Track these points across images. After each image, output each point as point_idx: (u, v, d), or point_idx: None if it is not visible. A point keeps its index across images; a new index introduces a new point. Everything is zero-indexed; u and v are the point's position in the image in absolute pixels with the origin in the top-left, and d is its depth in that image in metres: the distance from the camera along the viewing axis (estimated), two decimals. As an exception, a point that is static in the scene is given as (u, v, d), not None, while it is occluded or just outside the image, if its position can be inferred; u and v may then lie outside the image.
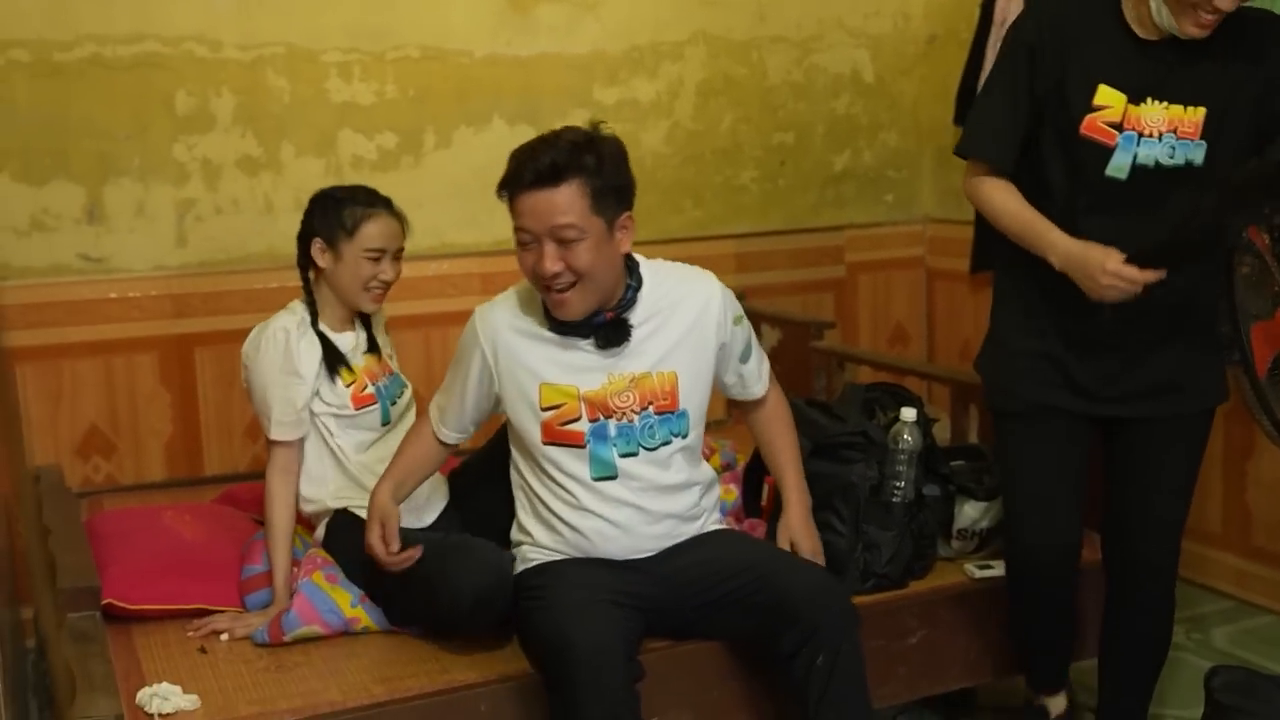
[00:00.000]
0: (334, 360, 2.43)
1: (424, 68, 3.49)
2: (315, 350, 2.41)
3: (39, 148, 3.14)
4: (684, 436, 2.19)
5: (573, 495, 2.15)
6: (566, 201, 2.01)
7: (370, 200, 2.48)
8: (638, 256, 2.19)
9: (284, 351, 2.38)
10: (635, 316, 2.15)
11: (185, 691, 2.00)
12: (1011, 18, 3.55)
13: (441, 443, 2.29)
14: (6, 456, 3.09)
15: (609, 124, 2.12)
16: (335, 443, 2.44)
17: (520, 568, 2.21)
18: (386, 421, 2.49)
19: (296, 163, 3.38)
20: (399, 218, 2.50)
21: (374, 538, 2.15)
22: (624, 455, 2.15)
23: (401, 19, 3.45)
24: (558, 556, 2.18)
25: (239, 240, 3.36)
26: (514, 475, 2.26)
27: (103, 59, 3.17)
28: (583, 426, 2.13)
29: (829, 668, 2.04)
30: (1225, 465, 3.29)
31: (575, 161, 2.02)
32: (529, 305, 2.18)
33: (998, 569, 2.48)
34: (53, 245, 3.18)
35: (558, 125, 3.52)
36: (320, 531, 2.45)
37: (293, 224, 3.33)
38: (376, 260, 2.44)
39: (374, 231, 2.44)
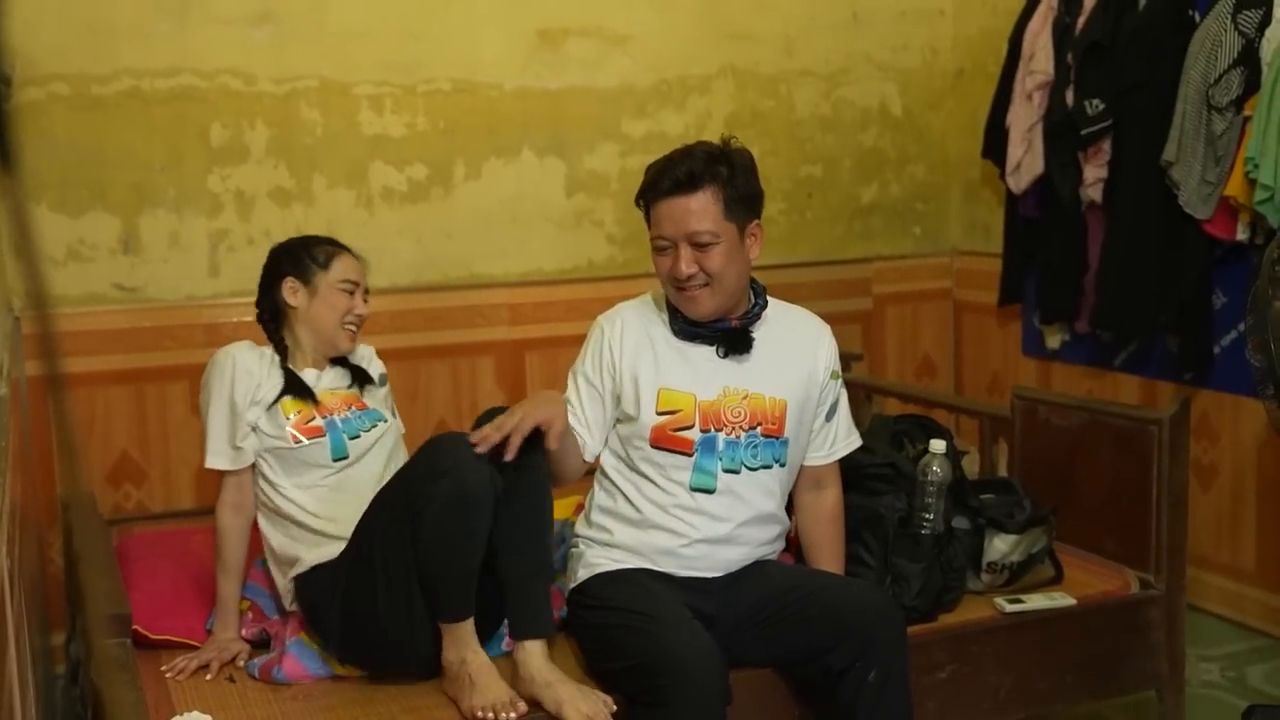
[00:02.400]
0: (292, 388, 2.36)
1: (454, 100, 3.52)
2: (258, 378, 2.35)
3: (76, 179, 3.19)
4: (783, 465, 2.25)
5: (668, 498, 2.20)
6: (701, 208, 2.15)
7: (334, 242, 2.51)
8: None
9: (225, 376, 2.35)
10: (757, 333, 2.25)
11: (214, 720, 2.01)
12: (1039, 52, 3.58)
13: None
14: (42, 482, 3.11)
15: (738, 139, 2.26)
16: (275, 481, 2.34)
17: (582, 573, 2.23)
18: (341, 456, 2.34)
19: (328, 194, 3.42)
20: (360, 260, 2.53)
21: (530, 424, 2.03)
22: (727, 470, 2.20)
23: (432, 52, 3.49)
24: (626, 564, 2.20)
25: (270, 270, 3.39)
26: (600, 472, 2.30)
27: (140, 92, 3.23)
28: (693, 435, 2.20)
29: (880, 685, 2.05)
30: (1260, 502, 3.25)
31: (710, 170, 2.16)
32: (654, 312, 2.28)
33: (1028, 604, 2.46)
34: (88, 275, 3.22)
35: (586, 158, 3.66)
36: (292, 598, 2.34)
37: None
38: (351, 294, 2.43)
39: (345, 265, 2.45)
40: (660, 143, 3.75)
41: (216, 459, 2.35)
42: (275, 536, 2.35)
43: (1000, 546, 2.50)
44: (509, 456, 2.01)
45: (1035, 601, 2.47)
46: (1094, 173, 3.44)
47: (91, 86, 3.18)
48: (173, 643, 2.33)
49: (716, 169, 2.16)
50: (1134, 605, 2.53)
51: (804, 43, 3.93)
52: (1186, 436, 2.57)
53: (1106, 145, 3.39)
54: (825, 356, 2.31)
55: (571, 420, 2.22)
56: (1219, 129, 3.06)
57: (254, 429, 2.34)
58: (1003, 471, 2.92)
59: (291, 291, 2.42)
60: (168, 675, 2.21)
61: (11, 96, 0.72)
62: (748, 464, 2.22)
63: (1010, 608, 2.45)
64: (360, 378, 2.50)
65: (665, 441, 2.20)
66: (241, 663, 2.25)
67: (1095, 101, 3.35)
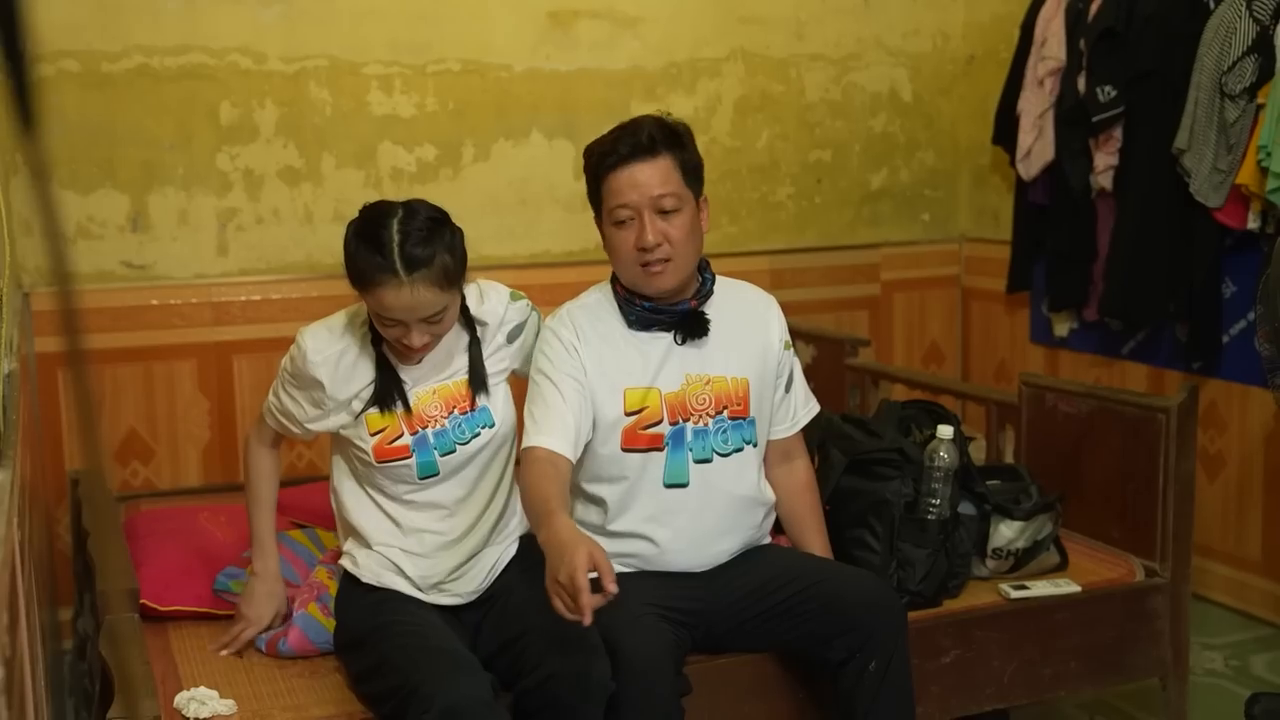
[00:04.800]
0: (385, 389, 2.04)
1: (464, 81, 3.52)
2: (334, 378, 2.05)
3: (86, 156, 3.20)
4: (754, 445, 2.21)
5: (642, 504, 2.15)
6: (664, 173, 2.10)
7: (386, 264, 1.90)
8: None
9: (297, 365, 2.08)
10: (710, 313, 2.19)
11: (222, 696, 2.02)
12: (1051, 38, 3.56)
13: (566, 463, 2.05)
14: (50, 459, 3.13)
15: (673, 114, 2.19)
16: (370, 484, 2.12)
17: None
18: (431, 474, 2.08)
19: (337, 174, 3.42)
20: (440, 278, 1.92)
21: (582, 574, 1.73)
22: (699, 461, 2.16)
23: (442, 33, 3.48)
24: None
25: (279, 250, 3.40)
26: (574, 484, 2.20)
27: (150, 70, 3.23)
28: (663, 430, 2.14)
29: (880, 675, 2.05)
30: (1266, 491, 3.25)
31: (666, 138, 2.11)
32: (603, 309, 2.19)
33: (1033, 590, 2.47)
34: (97, 252, 3.23)
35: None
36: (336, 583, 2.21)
37: (332, 235, 3.39)
38: (392, 326, 1.97)
39: (381, 299, 1.93)
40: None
41: (271, 418, 2.14)
42: (346, 498, 2.15)
43: (1006, 533, 2.50)
44: (589, 615, 1.73)
45: (1040, 588, 2.47)
46: (1105, 160, 3.43)
47: (101, 64, 3.18)
48: (182, 613, 2.34)
49: (672, 136, 2.12)
50: (1139, 593, 2.53)
51: (815, 27, 3.91)
52: (1194, 425, 2.56)
53: (1118, 132, 3.38)
54: (777, 328, 2.27)
55: (559, 436, 2.04)
56: (1231, 117, 3.04)
57: (337, 431, 2.10)
58: (1009, 458, 2.91)
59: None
60: (223, 653, 2.18)
61: (30, 72, 0.72)
62: (719, 450, 2.16)
63: (1015, 594, 2.46)
64: (476, 369, 2.11)
65: (635, 441, 2.13)
66: (278, 625, 2.22)
67: (1107, 88, 3.34)
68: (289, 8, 3.33)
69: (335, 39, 3.38)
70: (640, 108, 3.69)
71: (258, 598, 2.22)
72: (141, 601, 2.24)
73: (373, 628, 2.03)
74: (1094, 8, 3.44)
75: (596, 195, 2.15)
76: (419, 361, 2.07)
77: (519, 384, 2.22)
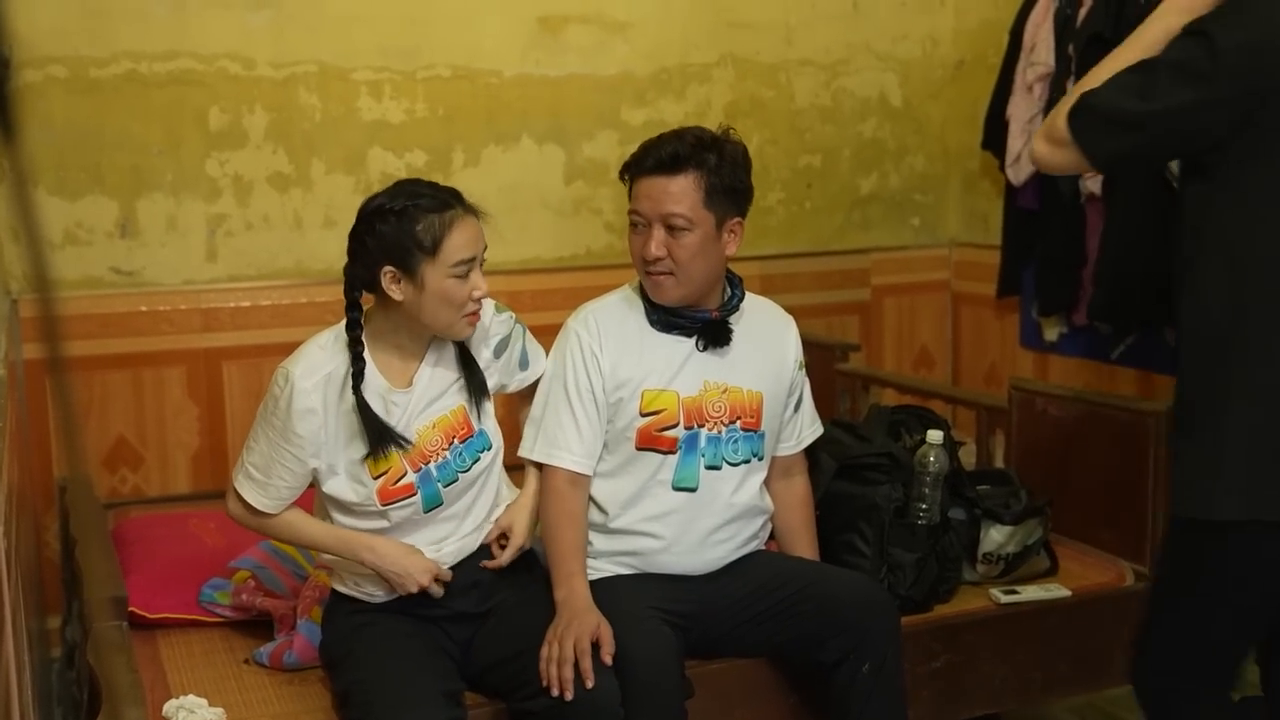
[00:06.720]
0: (376, 435, 1.96)
1: (454, 87, 3.51)
2: (324, 414, 1.96)
3: (74, 162, 3.18)
4: (761, 459, 2.24)
5: (650, 502, 2.17)
6: (680, 191, 2.11)
7: (442, 202, 1.96)
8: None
9: (278, 408, 1.96)
10: (735, 325, 2.21)
11: (211, 704, 2.01)
12: (1040, 44, 3.57)
13: (586, 481, 2.16)
14: (38, 466, 3.11)
15: (737, 132, 2.20)
16: (332, 515, 2.06)
17: None
18: (436, 505, 2.04)
19: (327, 180, 3.41)
20: (474, 211, 2.02)
21: (587, 640, 1.93)
22: (710, 468, 2.18)
23: (432, 39, 3.48)
24: (609, 572, 2.18)
25: (269, 256, 3.39)
26: None
27: (138, 75, 3.22)
28: (678, 433, 2.17)
29: (874, 677, 2.06)
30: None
31: (696, 155, 2.11)
32: (629, 307, 2.23)
33: (1023, 594, 2.47)
34: (85, 258, 3.22)
35: (585, 146, 3.65)
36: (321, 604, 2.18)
37: (322, 240, 3.42)
38: (465, 276, 1.96)
39: (459, 240, 1.94)
40: (659, 131, 3.71)
41: (252, 490, 2.01)
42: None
43: (996, 537, 2.50)
44: (589, 684, 1.90)
45: (1030, 593, 2.48)
46: (1093, 165, 3.44)
47: (89, 69, 3.17)
48: (171, 621, 2.33)
49: (703, 155, 2.11)
50: (1129, 597, 2.53)
51: (804, 32, 3.92)
52: (1183, 429, 2.57)
53: (1106, 137, 3.39)
54: (794, 348, 2.31)
55: (578, 455, 2.14)
56: (1219, 122, 3.05)
57: (323, 472, 2.00)
58: (999, 463, 2.92)
59: (393, 282, 1.95)
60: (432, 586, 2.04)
61: (11, 79, 0.72)
62: (729, 459, 2.19)
63: (1005, 599, 2.46)
64: (473, 376, 2.08)
65: (650, 442, 2.17)
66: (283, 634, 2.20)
67: (1095, 93, 3.34)
68: (278, 13, 3.32)
69: (324, 44, 3.38)
70: (630, 113, 3.70)
71: (399, 554, 2.01)
72: (130, 609, 2.23)
73: (345, 652, 2.02)
74: (1082, 13, 3.45)
75: (628, 194, 2.20)
76: (472, 333, 2.07)
77: (502, 399, 2.23)
